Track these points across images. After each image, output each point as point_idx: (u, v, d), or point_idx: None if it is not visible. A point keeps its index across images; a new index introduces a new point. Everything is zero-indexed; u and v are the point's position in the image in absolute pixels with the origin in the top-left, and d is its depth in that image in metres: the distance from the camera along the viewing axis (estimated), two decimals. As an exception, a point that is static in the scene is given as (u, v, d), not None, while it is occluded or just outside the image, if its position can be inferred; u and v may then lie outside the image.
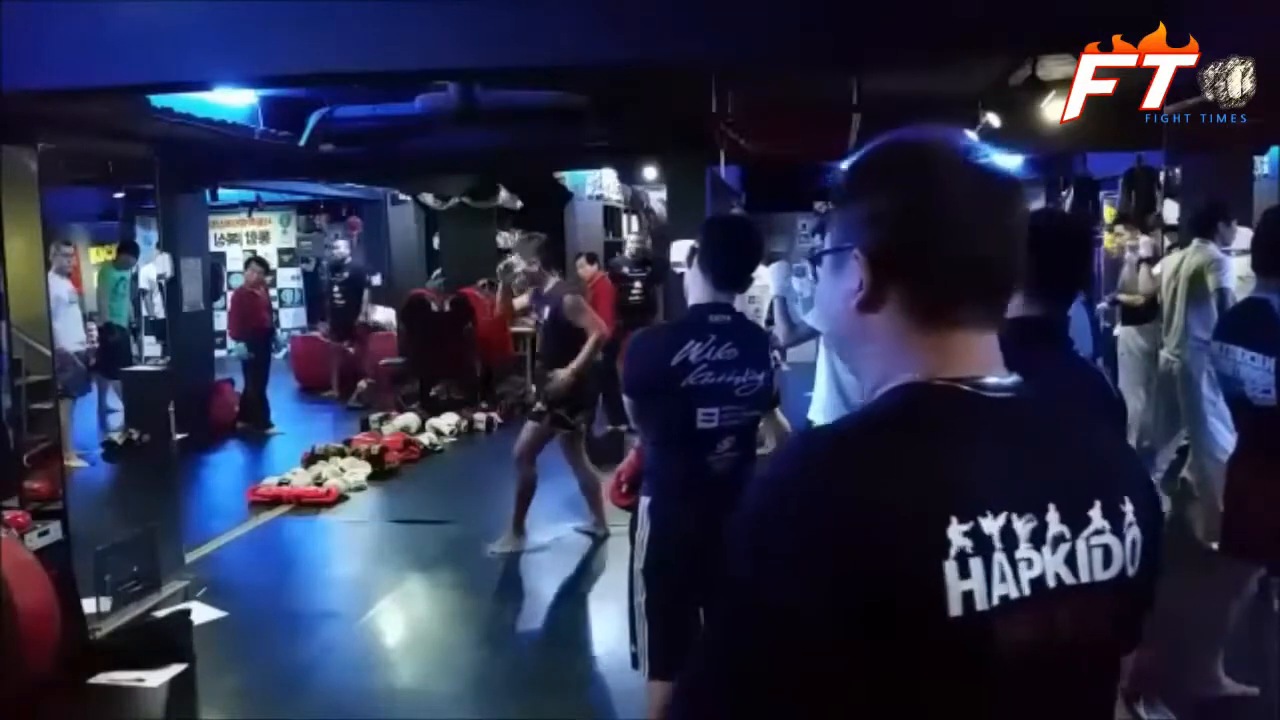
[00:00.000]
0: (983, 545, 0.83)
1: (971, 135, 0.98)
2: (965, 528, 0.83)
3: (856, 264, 0.94)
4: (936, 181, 0.93)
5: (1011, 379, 0.93)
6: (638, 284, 9.06)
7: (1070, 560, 0.88)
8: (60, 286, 7.41)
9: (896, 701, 0.82)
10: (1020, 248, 0.95)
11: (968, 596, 0.82)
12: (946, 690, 0.83)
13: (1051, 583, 0.86)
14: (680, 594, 2.79)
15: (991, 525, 0.84)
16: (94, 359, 8.59)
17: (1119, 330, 6.67)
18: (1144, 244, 6.50)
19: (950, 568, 0.82)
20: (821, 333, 0.99)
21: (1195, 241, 5.28)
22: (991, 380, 0.92)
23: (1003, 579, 0.84)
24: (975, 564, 0.82)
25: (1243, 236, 5.25)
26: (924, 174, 0.94)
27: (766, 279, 4.55)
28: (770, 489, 0.89)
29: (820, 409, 4.13)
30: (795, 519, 0.83)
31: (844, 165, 1.02)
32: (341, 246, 11.69)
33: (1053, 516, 0.87)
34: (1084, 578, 0.88)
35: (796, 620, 0.81)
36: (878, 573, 0.81)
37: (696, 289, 2.86)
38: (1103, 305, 7.06)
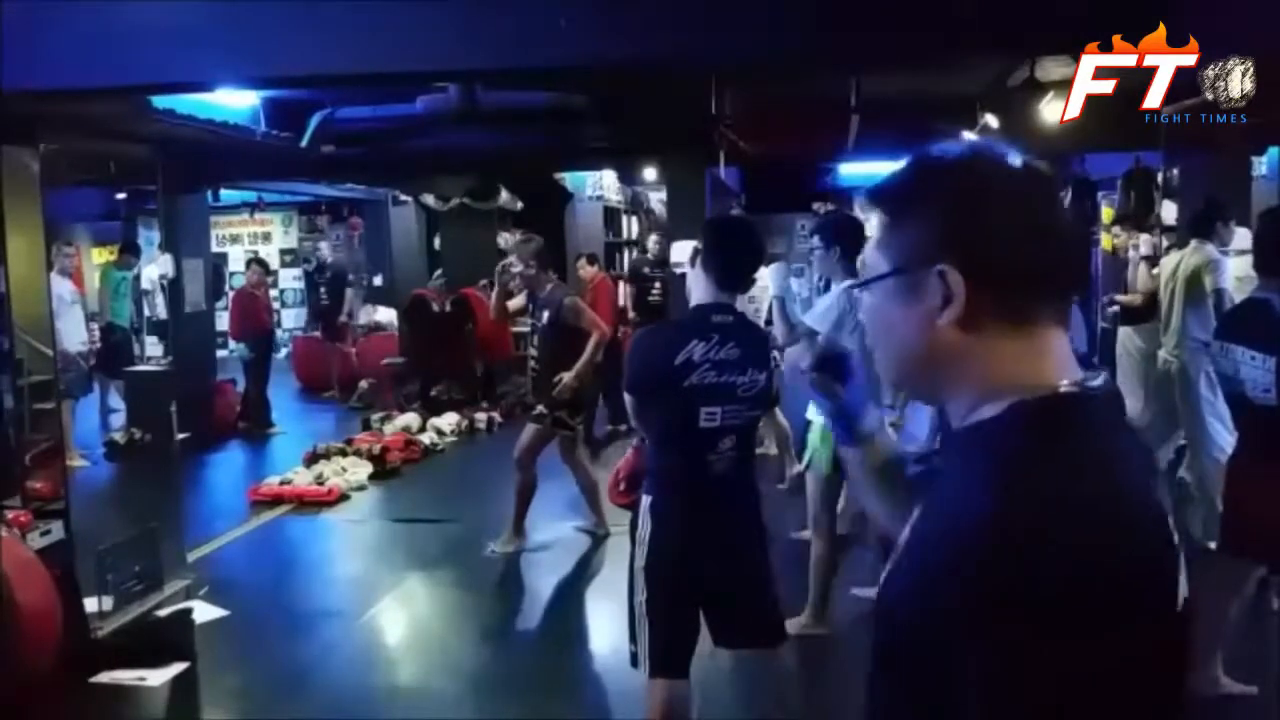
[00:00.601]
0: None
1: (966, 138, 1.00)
2: (1171, 520, 0.89)
3: (942, 281, 0.92)
4: (1003, 181, 0.95)
5: (1100, 376, 0.95)
6: (658, 284, 9.06)
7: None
8: (62, 287, 7.44)
9: (1141, 698, 0.84)
10: (1081, 241, 0.97)
11: (1183, 583, 0.87)
12: (1170, 674, 0.87)
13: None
14: (681, 593, 2.80)
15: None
16: (94, 359, 8.61)
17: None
18: (1144, 242, 6.51)
19: (1180, 560, 0.87)
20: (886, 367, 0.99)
21: (1193, 242, 5.29)
22: (1089, 382, 0.93)
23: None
24: (1181, 552, 0.88)
25: (1241, 237, 5.27)
26: (987, 176, 0.95)
27: (766, 280, 4.56)
28: (999, 546, 0.80)
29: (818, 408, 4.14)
30: (1044, 564, 0.79)
31: (888, 187, 1.00)
32: (324, 248, 11.86)
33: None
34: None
35: (1088, 663, 0.79)
36: (1136, 582, 0.83)
37: (699, 289, 2.88)
38: (1107, 308, 7.06)
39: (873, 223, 1.04)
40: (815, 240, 4.34)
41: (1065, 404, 0.90)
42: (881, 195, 1.01)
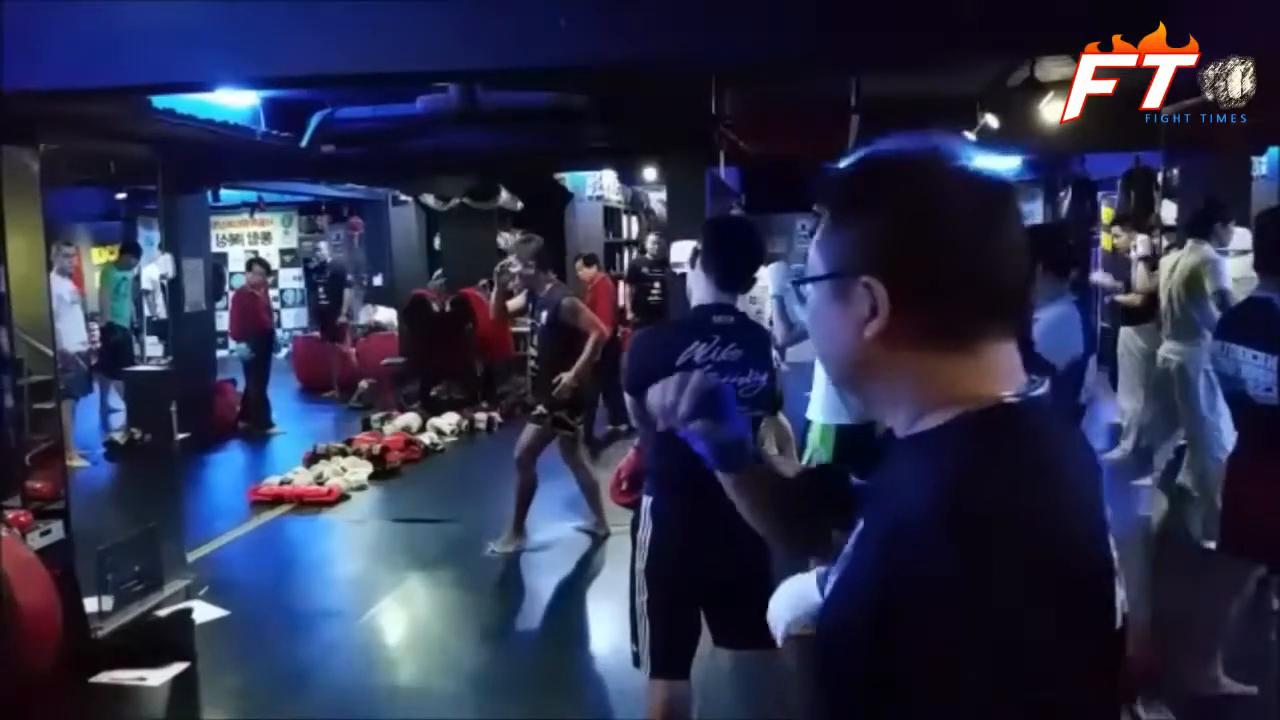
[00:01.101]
0: None
1: (964, 138, 0.95)
2: (1111, 541, 0.89)
3: (867, 291, 0.89)
4: (948, 195, 0.89)
5: (1044, 384, 0.93)
6: (657, 284, 9.05)
7: None
8: (62, 287, 7.46)
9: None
10: (1025, 250, 0.92)
11: (1120, 592, 0.88)
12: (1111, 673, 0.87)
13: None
14: (682, 593, 2.80)
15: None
16: (95, 359, 8.61)
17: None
18: (1142, 242, 6.52)
19: (1119, 584, 0.87)
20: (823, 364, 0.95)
21: (1190, 242, 5.30)
22: (1036, 391, 0.91)
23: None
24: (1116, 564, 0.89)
25: (1239, 237, 5.27)
26: (933, 188, 0.90)
27: (765, 279, 4.56)
28: (950, 552, 0.78)
29: (819, 409, 4.14)
30: (997, 571, 0.78)
31: (833, 183, 0.96)
32: (323, 248, 11.94)
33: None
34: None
35: (1052, 656, 0.79)
36: (1082, 585, 0.83)
37: (699, 290, 2.87)
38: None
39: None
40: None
41: (1009, 414, 0.88)
42: (827, 192, 0.96)
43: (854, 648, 0.82)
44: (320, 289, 11.41)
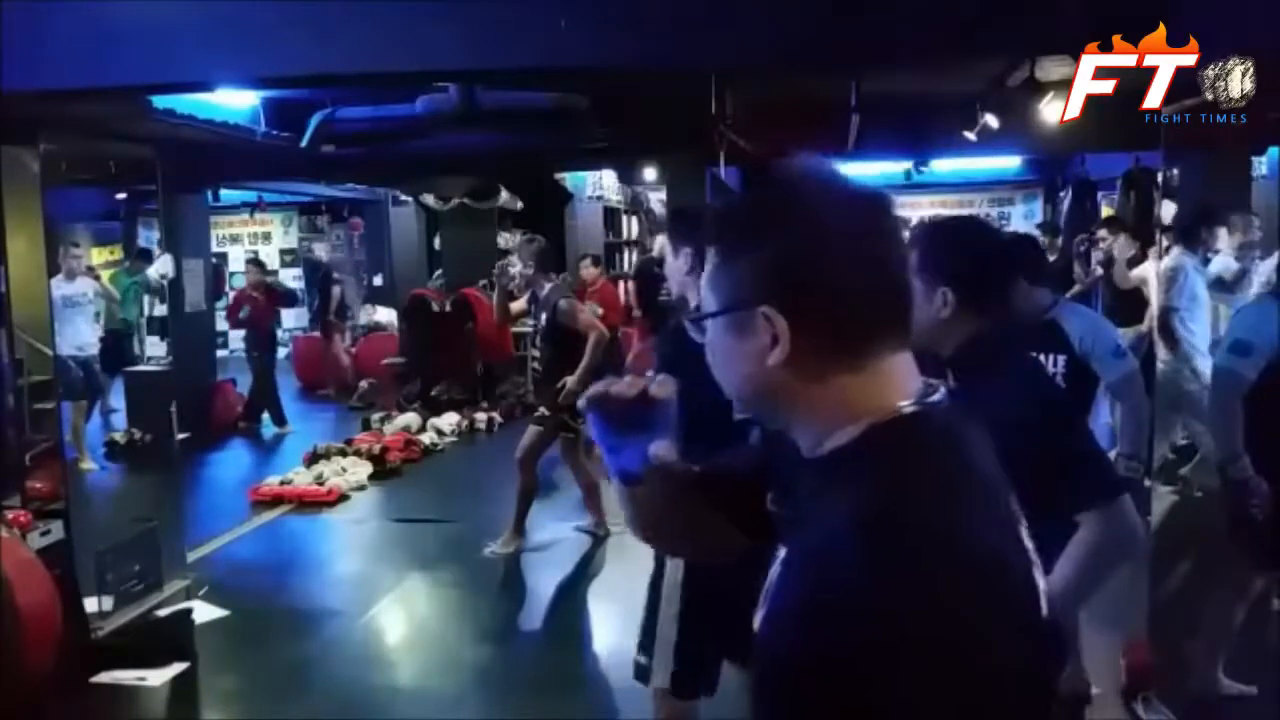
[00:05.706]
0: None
1: (833, 162, 0.96)
2: (1027, 532, 0.92)
3: (767, 321, 0.90)
4: (828, 217, 0.92)
5: (940, 390, 0.94)
6: (666, 284, 9.04)
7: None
8: (79, 286, 7.55)
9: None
10: (907, 260, 0.96)
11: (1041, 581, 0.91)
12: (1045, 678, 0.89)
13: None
14: (720, 607, 2.75)
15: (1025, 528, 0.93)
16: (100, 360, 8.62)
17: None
18: (1124, 243, 6.55)
19: (1038, 573, 0.90)
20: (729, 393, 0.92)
21: (1174, 250, 5.34)
22: (933, 397, 0.93)
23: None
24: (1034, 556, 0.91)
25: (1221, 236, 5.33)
26: (813, 212, 0.92)
27: None
28: (874, 580, 0.79)
29: None
30: (920, 587, 0.79)
31: (717, 220, 0.99)
32: (317, 249, 12.03)
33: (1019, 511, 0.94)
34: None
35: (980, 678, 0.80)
36: (1014, 593, 0.85)
37: None
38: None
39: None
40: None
41: (910, 424, 0.90)
42: (712, 230, 0.98)
43: (784, 679, 0.82)
44: (315, 288, 11.52)
